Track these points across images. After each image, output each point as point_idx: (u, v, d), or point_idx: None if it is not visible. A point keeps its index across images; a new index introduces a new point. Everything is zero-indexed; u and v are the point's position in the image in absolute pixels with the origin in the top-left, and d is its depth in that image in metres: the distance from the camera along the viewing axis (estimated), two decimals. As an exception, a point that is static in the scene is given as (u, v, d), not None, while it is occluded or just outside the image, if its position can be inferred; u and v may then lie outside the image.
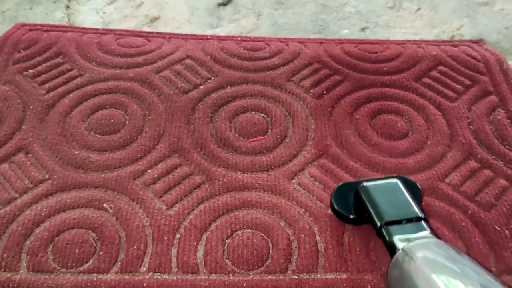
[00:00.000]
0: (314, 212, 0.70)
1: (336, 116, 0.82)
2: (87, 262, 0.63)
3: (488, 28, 1.10)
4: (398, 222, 0.59)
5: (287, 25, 1.09)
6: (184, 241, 0.66)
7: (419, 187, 0.70)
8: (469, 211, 0.71)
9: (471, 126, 0.82)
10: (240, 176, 0.73)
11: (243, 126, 0.80)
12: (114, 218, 0.68)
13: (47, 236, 0.65)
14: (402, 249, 0.54)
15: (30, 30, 0.94)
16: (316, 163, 0.76)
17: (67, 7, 1.08)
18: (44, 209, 0.68)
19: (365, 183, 0.66)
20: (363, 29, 1.09)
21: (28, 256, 0.63)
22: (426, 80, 0.89)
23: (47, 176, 0.71)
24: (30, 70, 0.85)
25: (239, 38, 0.97)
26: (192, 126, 0.79)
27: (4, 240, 0.64)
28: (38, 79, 0.84)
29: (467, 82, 0.89)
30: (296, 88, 0.86)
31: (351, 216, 0.67)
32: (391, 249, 0.57)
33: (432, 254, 0.52)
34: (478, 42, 1.00)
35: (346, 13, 1.13)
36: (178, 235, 0.67)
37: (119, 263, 0.64)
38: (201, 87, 0.85)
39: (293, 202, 0.71)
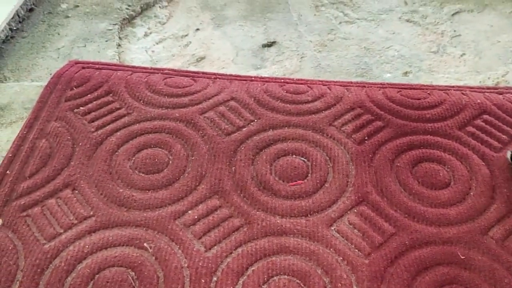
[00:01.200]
0: (352, 261, 0.69)
1: (377, 162, 0.82)
2: (125, 301, 0.65)
3: (534, 75, 1.08)
4: None
5: (330, 67, 1.10)
6: (221, 285, 0.66)
7: None
8: (513, 268, 0.69)
9: (516, 178, 0.80)
10: (278, 221, 0.74)
11: (284, 169, 0.81)
12: (154, 257, 0.69)
13: (88, 273, 0.67)
14: None
15: (83, 67, 0.98)
16: (355, 210, 0.76)
17: (118, 45, 1.12)
18: (87, 246, 0.70)
19: None
20: (405, 73, 1.09)
21: (70, 292, 0.65)
22: (470, 128, 0.88)
23: (91, 213, 0.74)
24: (81, 108, 0.89)
25: (282, 80, 0.99)
26: (233, 168, 0.80)
27: (47, 275, 0.66)
28: (88, 117, 0.87)
29: (513, 132, 0.88)
30: (338, 133, 0.86)
31: None
32: None
33: None
34: (524, 89, 0.99)
35: (389, 57, 1.13)
36: (215, 278, 0.67)
37: (157, 304, 0.65)
38: (244, 129, 0.86)
39: (331, 249, 0.71)
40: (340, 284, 0.67)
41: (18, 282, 0.66)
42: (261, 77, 1.01)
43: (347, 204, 0.77)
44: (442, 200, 0.77)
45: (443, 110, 0.91)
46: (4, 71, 1.03)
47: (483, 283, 0.67)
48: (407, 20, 1.25)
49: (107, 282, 0.66)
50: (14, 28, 1.14)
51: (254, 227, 0.73)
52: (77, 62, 1.00)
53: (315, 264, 0.69)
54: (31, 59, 1.07)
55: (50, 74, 0.98)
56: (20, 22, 1.17)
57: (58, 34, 1.15)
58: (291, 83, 0.98)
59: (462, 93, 0.96)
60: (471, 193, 0.78)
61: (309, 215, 0.75)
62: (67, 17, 1.20)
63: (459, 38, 1.18)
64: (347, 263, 0.69)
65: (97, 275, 0.67)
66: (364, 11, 1.29)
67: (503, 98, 0.95)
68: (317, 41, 1.17)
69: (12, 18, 1.14)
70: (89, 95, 0.91)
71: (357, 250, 0.71)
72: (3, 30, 1.10)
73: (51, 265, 0.67)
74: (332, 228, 0.73)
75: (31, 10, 1.21)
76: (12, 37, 1.12)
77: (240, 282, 0.67)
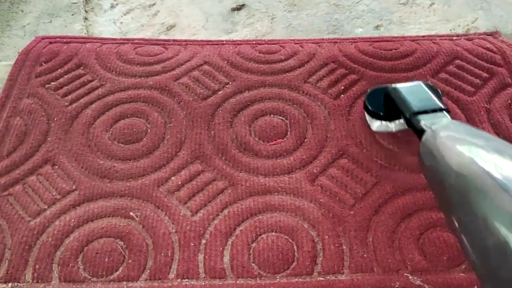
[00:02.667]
0: (337, 213, 0.71)
1: (354, 115, 0.83)
2: (116, 271, 0.65)
3: (503, 19, 1.09)
4: (424, 112, 0.68)
5: (301, 26, 1.10)
6: (210, 247, 0.67)
7: (438, 89, 0.81)
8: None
9: (491, 120, 0.82)
10: (262, 180, 0.74)
11: (263, 129, 0.81)
12: (141, 226, 0.69)
13: (77, 246, 0.67)
14: (430, 128, 0.62)
15: (50, 42, 0.96)
16: (336, 164, 0.76)
17: (85, 18, 1.10)
18: (73, 220, 0.69)
19: (393, 85, 0.77)
20: (377, 27, 1.09)
21: (60, 267, 0.65)
22: (443, 75, 0.89)
23: (74, 187, 0.73)
24: (52, 83, 0.87)
25: (254, 42, 0.98)
26: (212, 132, 0.80)
27: (35, 252, 0.66)
28: (61, 91, 0.86)
29: (485, 75, 0.89)
30: (313, 89, 0.86)
31: (381, 113, 0.78)
32: (420, 133, 0.64)
33: (454, 130, 0.59)
34: (494, 34, 1.00)
35: (359, 12, 1.13)
36: (204, 241, 0.68)
37: (148, 271, 0.65)
38: (220, 92, 0.86)
39: (316, 204, 0.72)
40: (327, 236, 0.68)
41: (7, 260, 0.65)
42: (233, 41, 1.00)
43: (327, 158, 0.77)
44: (421, 147, 0.78)
45: (415, 59, 0.91)
46: (-31, 53, 1.00)
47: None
48: (375, -26, 1.24)
49: (97, 253, 0.66)
50: (-25, 8, 1.11)
51: (238, 188, 0.74)
52: (44, 38, 0.98)
53: (301, 219, 0.70)
54: (-4, 39, 1.04)
55: (18, 53, 0.96)
56: (-20, 1, 1.13)
57: (22, 11, 1.12)
58: (263, 43, 0.98)
59: (433, 42, 0.96)
60: (448, 138, 0.80)
61: (291, 172, 0.76)
62: (29, -7, 1.17)
63: (427, -12, 1.19)
64: (332, 216, 0.70)
65: (86, 247, 0.67)
66: (331, -33, 1.28)
67: (474, 44, 0.96)
68: (286, 1, 1.16)
69: (-28, -3, 1.10)
70: (59, 70, 0.90)
71: (341, 202, 0.72)
72: (-37, 11, 1.06)
73: (38, 241, 0.67)
74: (315, 183, 0.74)
75: (-10, -12, 1.17)
76: (-27, 18, 1.09)
77: (229, 242, 0.68)
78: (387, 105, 0.78)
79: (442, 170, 0.53)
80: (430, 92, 0.74)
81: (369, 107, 0.79)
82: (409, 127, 0.70)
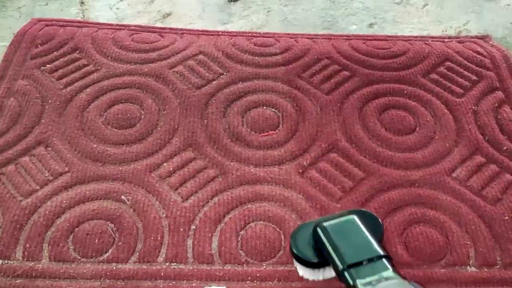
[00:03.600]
0: (325, 206, 0.72)
1: (345, 111, 0.84)
2: (106, 252, 0.66)
3: (494, 23, 1.11)
4: (359, 264, 0.54)
5: (296, 21, 1.11)
6: (199, 233, 0.68)
7: (379, 220, 0.63)
8: (476, 205, 0.73)
9: (478, 122, 0.84)
10: (252, 170, 0.76)
11: (255, 121, 0.82)
12: (132, 209, 0.70)
13: (67, 227, 0.68)
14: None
15: (46, 25, 0.96)
16: (326, 158, 0.78)
17: (82, 3, 1.10)
18: (65, 201, 0.70)
19: (322, 223, 0.60)
20: (371, 25, 1.11)
21: (50, 246, 0.66)
22: (434, 76, 0.91)
23: (66, 169, 0.74)
24: (47, 65, 0.88)
25: (249, 34, 0.99)
26: (205, 120, 0.81)
27: (26, 231, 0.67)
28: (56, 74, 0.86)
29: (474, 78, 0.91)
30: (306, 83, 0.88)
31: (313, 261, 0.59)
32: None
33: None
34: (484, 38, 1.02)
35: (354, 9, 1.14)
36: (193, 227, 0.69)
37: (137, 253, 0.66)
38: (214, 82, 0.87)
39: (304, 195, 0.73)
40: (314, 227, 0.70)
41: (-3, 238, 0.66)
42: (229, 32, 1.01)
43: (317, 152, 0.79)
44: (409, 145, 0.80)
45: (407, 59, 0.93)
46: (-36, 32, 1.00)
47: (448, 221, 0.71)
48: (371, -28, 1.26)
49: (87, 234, 0.67)
50: (-29, -14, 1.10)
51: (229, 177, 0.75)
52: (40, 20, 0.98)
53: (290, 210, 0.72)
54: (-9, 19, 1.04)
55: (13, 34, 0.96)
56: (-24, -20, 1.13)
57: (18, -8, 1.12)
58: (259, 36, 0.99)
59: (425, 43, 0.98)
60: (436, 137, 0.82)
61: (281, 164, 0.77)
62: (26, -26, 1.17)
63: (421, -11, 1.20)
64: (320, 208, 0.72)
65: (76, 228, 0.68)
66: (328, -36, 1.29)
67: (464, 46, 0.97)
68: (282, -6, 1.17)
69: (-32, -24, 1.10)
70: (55, 52, 0.90)
71: (329, 195, 0.74)
72: (-41, -11, 1.06)
73: (29, 221, 0.68)
74: (304, 175, 0.76)
75: (-13, -32, 1.17)
76: (-31, -4, 1.09)
77: (218, 229, 0.69)
78: (318, 248, 0.60)
79: None
80: (366, 232, 0.58)
81: (296, 253, 0.60)
82: (341, 282, 0.55)
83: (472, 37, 1.02)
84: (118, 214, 0.69)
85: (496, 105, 0.86)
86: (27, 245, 0.66)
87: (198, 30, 1.00)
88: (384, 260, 0.54)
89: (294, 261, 0.61)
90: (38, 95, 0.83)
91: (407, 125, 0.83)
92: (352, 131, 0.82)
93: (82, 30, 0.95)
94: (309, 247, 0.60)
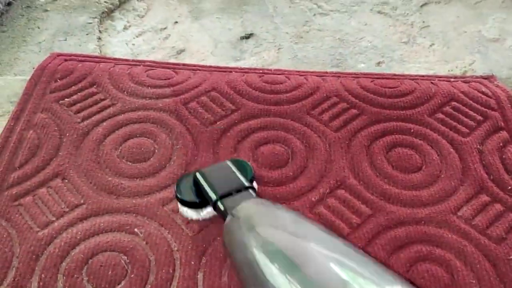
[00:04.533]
0: (332, 241, 0.74)
1: (353, 148, 0.87)
2: (119, 284, 0.68)
3: (498, 64, 1.14)
4: (229, 194, 0.67)
5: (306, 58, 1.14)
6: (210, 266, 0.70)
7: (250, 164, 0.77)
8: (481, 244, 0.74)
9: (483, 161, 0.86)
10: (262, 205, 0.78)
11: (265, 156, 0.85)
12: (144, 242, 0.72)
13: (82, 258, 0.70)
14: (230, 213, 0.63)
15: (65, 60, 1.00)
16: (334, 194, 0.80)
17: (99, 38, 1.14)
18: (79, 232, 0.72)
19: (200, 170, 0.74)
20: (378, 63, 1.14)
21: (64, 277, 0.68)
22: (440, 115, 0.93)
23: (82, 201, 0.76)
24: (66, 99, 0.91)
25: (260, 71, 1.02)
26: (217, 156, 0.84)
27: (42, 261, 0.69)
28: (74, 108, 0.90)
29: (479, 117, 0.93)
30: (316, 121, 0.90)
31: (195, 201, 0.72)
32: (224, 217, 0.65)
33: (251, 214, 0.61)
34: (489, 78, 1.04)
35: (362, 48, 1.18)
36: (204, 260, 0.71)
37: (149, 286, 0.68)
38: (226, 118, 0.90)
39: (312, 231, 0.75)
40: (321, 263, 0.71)
41: (14, 268, 0.68)
42: (241, 68, 1.04)
43: (326, 188, 0.81)
44: (415, 183, 0.82)
45: (414, 98, 0.96)
46: (-14, 65, 1.04)
47: (454, 259, 0.73)
48: (378, 12, 1.30)
49: (101, 266, 0.69)
50: (-6, 21, 1.15)
51: (238, 211, 0.77)
52: (59, 55, 1.02)
53: (298, 245, 0.73)
54: (12, 53, 1.08)
55: (33, 68, 1.00)
56: (-1, 15, 1.17)
57: (38, 28, 1.16)
58: (270, 73, 1.02)
59: (431, 82, 1.01)
60: (442, 176, 0.83)
61: (291, 200, 0.79)
62: (46, 10, 1.22)
63: (428, 29, 1.24)
64: (327, 243, 0.74)
65: (90, 260, 0.70)
66: (337, 2, 1.33)
67: (470, 86, 1.00)
68: (293, 32, 1.21)
69: (-9, 11, 1.15)
70: (73, 87, 0.94)
71: (337, 231, 0.75)
72: (-18, 24, 1.10)
73: (45, 251, 0.70)
74: (313, 211, 0.78)
75: (9, 4, 1.22)
76: (-9, 31, 1.13)
77: (228, 262, 0.71)
78: (199, 191, 0.73)
79: (236, 254, 0.57)
80: (236, 171, 0.72)
81: (179, 196, 0.74)
82: (216, 212, 0.69)
83: (477, 77, 1.05)
84: (131, 246, 0.71)
85: (501, 144, 0.88)
86: (43, 276, 0.68)
87: (211, 67, 1.04)
88: (250, 190, 0.68)
89: (179, 205, 0.75)
90: (56, 128, 0.86)
91: (414, 163, 0.85)
92: (360, 168, 0.84)
93: (100, 65, 0.99)
94: (191, 191, 0.73)
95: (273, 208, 0.61)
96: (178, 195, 0.73)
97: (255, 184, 0.75)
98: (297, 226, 0.57)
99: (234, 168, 0.73)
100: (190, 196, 0.73)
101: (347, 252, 0.52)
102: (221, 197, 0.67)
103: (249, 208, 0.63)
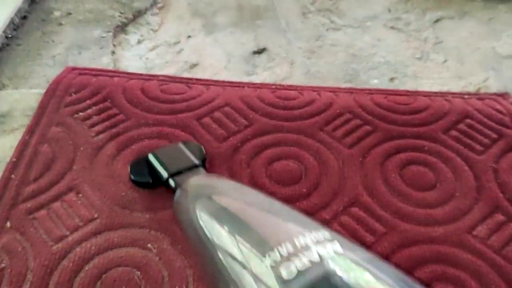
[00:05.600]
0: (346, 259, 0.73)
1: (367, 165, 0.86)
2: (132, 300, 0.68)
3: (513, 81, 1.14)
4: (179, 173, 0.73)
5: (319, 73, 1.14)
6: (223, 283, 0.70)
7: (200, 145, 0.84)
8: (496, 264, 0.73)
9: (497, 179, 0.85)
10: (275, 222, 0.77)
11: (278, 173, 0.85)
12: (158, 258, 0.72)
13: (96, 273, 0.70)
14: (180, 188, 0.68)
15: (80, 74, 1.01)
16: (347, 212, 0.80)
17: (113, 52, 1.15)
18: (93, 247, 0.72)
19: (153, 151, 0.79)
20: (391, 79, 1.14)
21: (78, 292, 0.68)
22: (454, 132, 0.93)
23: (96, 215, 0.76)
24: (80, 113, 0.92)
25: (273, 87, 1.03)
26: (230, 171, 0.84)
27: (56, 275, 0.69)
28: (88, 122, 0.90)
29: (494, 135, 0.93)
30: (329, 137, 0.90)
31: (148, 181, 0.78)
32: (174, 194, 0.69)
33: (199, 183, 0.68)
34: (503, 95, 1.04)
35: (375, 63, 1.18)
36: (217, 277, 0.71)
37: (162, 302, 0.68)
38: (239, 134, 0.90)
39: (326, 248, 0.74)
40: (335, 281, 0.71)
41: (29, 282, 0.68)
42: (253, 84, 1.05)
43: (339, 205, 0.80)
44: (429, 201, 0.82)
45: (428, 115, 0.95)
46: (2, 79, 1.05)
47: (469, 279, 0.72)
48: (392, 27, 1.30)
49: (114, 281, 0.69)
50: (9, 35, 1.16)
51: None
52: (73, 69, 1.03)
53: (311, 263, 0.73)
54: (27, 67, 1.09)
55: (48, 81, 1.01)
56: (14, 29, 1.18)
57: (53, 41, 1.17)
58: (282, 89, 1.02)
59: (445, 99, 1.00)
60: (456, 194, 0.83)
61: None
62: (61, 24, 1.23)
63: (441, 45, 1.23)
64: (341, 261, 0.73)
65: (104, 275, 0.69)
66: (350, 18, 1.33)
67: (484, 104, 1.00)
68: (305, 47, 1.21)
69: (7, 25, 1.16)
70: (87, 101, 0.94)
71: (350, 249, 0.75)
72: (-1, 38, 1.12)
73: (59, 266, 0.70)
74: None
75: (24, 17, 1.23)
76: (7, 45, 1.14)
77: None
78: (152, 172, 0.78)
79: (184, 223, 0.63)
80: (187, 151, 0.78)
81: (133, 177, 0.80)
82: (168, 189, 0.74)
83: (491, 94, 1.05)
84: (144, 262, 0.71)
85: (515, 163, 0.88)
86: (56, 290, 0.68)
87: (224, 82, 1.04)
88: (200, 168, 0.74)
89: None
90: (70, 142, 0.86)
91: (428, 181, 0.85)
92: (374, 185, 0.83)
93: (114, 80, 0.99)
94: (145, 172, 0.79)
95: (218, 179, 0.70)
96: (132, 177, 0.79)
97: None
98: (239, 191, 0.65)
99: (185, 149, 0.79)
100: (144, 177, 0.78)
101: (281, 208, 0.62)
102: (172, 175, 0.72)
103: (196, 181, 0.69)
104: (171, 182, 0.72)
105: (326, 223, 0.78)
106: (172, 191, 0.71)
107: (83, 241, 0.73)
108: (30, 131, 0.88)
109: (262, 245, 0.50)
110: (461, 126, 0.94)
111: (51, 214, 0.77)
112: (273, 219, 0.58)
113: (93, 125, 0.90)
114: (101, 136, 0.88)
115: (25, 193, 0.79)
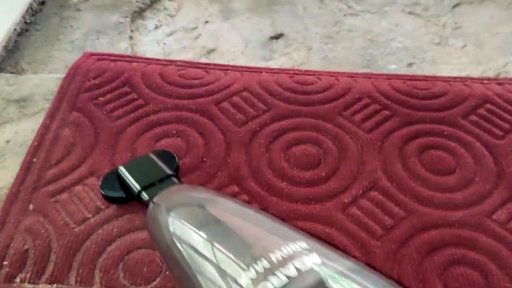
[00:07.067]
0: (365, 243, 0.74)
1: (386, 150, 0.86)
2: (154, 281, 0.68)
3: (533, 66, 1.13)
4: (151, 185, 0.70)
5: (337, 59, 1.14)
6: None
7: (172, 153, 0.82)
8: (516, 248, 0.73)
9: (517, 164, 0.85)
10: (294, 206, 0.78)
11: (297, 157, 0.85)
12: (178, 240, 0.73)
13: (118, 255, 0.71)
14: (152, 202, 0.66)
15: (98, 59, 1.01)
16: (366, 195, 0.80)
17: (131, 38, 1.15)
18: (115, 229, 0.73)
19: (123, 164, 0.76)
20: (410, 65, 1.13)
21: (101, 273, 0.69)
22: (473, 117, 0.92)
23: (117, 199, 0.77)
24: (100, 98, 0.92)
25: (291, 72, 1.02)
26: (249, 156, 0.84)
27: (79, 257, 0.70)
28: (107, 107, 0.91)
29: (513, 120, 0.92)
30: (348, 122, 0.90)
31: (120, 196, 0.75)
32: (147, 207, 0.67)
33: (171, 195, 0.66)
34: (524, 80, 1.03)
35: (393, 48, 1.17)
36: (237, 259, 0.71)
37: (183, 283, 0.68)
38: (257, 119, 0.90)
39: (345, 232, 0.75)
40: (354, 264, 0.71)
41: (52, 263, 0.69)
42: (271, 69, 1.05)
43: (358, 189, 0.81)
44: (449, 186, 0.81)
45: (447, 100, 0.95)
46: (22, 64, 1.06)
47: (488, 263, 0.72)
48: (409, 12, 1.29)
49: (137, 262, 0.70)
50: (28, 21, 1.17)
51: (270, 212, 0.77)
52: (92, 54, 1.04)
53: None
54: (46, 52, 1.10)
55: (66, 66, 1.01)
56: (33, 15, 1.19)
57: (71, 26, 1.18)
58: (300, 74, 1.02)
59: (465, 84, 1.00)
60: (476, 179, 0.83)
61: (323, 201, 0.79)
62: (79, 10, 1.23)
63: (460, 30, 1.22)
64: (360, 245, 0.73)
65: (126, 256, 0.70)
66: (367, 3, 1.32)
67: (504, 89, 0.99)
68: (323, 33, 1.21)
69: (26, 11, 1.16)
70: (106, 86, 0.95)
71: (369, 233, 0.75)
72: (18, 23, 1.12)
73: (82, 247, 0.71)
74: (345, 212, 0.78)
75: (43, 3, 1.24)
76: (26, 30, 1.15)
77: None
78: (124, 186, 0.75)
79: (157, 238, 0.62)
80: (158, 162, 0.75)
81: (104, 193, 0.77)
82: (141, 203, 0.71)
83: (511, 79, 1.04)
84: (165, 244, 0.72)
85: (536, 148, 0.87)
86: (80, 271, 0.69)
87: (241, 67, 1.04)
88: (172, 178, 0.71)
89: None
90: (91, 127, 0.87)
91: (447, 166, 0.84)
92: (393, 170, 0.83)
93: (132, 65, 1.00)
94: (116, 187, 0.75)
95: (190, 190, 0.68)
96: (103, 192, 0.76)
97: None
98: (212, 203, 0.64)
99: (156, 160, 0.76)
100: (116, 192, 0.75)
101: (257, 218, 0.60)
102: (144, 188, 0.70)
103: (168, 194, 0.67)
104: (144, 196, 0.69)
105: (346, 207, 0.78)
106: (145, 205, 0.69)
107: (105, 223, 0.74)
108: (51, 115, 0.89)
109: (238, 263, 0.49)
110: (481, 111, 0.93)
111: (72, 197, 0.77)
112: (248, 231, 0.57)
113: (112, 110, 0.91)
114: (120, 120, 0.89)
115: (47, 177, 0.80)
